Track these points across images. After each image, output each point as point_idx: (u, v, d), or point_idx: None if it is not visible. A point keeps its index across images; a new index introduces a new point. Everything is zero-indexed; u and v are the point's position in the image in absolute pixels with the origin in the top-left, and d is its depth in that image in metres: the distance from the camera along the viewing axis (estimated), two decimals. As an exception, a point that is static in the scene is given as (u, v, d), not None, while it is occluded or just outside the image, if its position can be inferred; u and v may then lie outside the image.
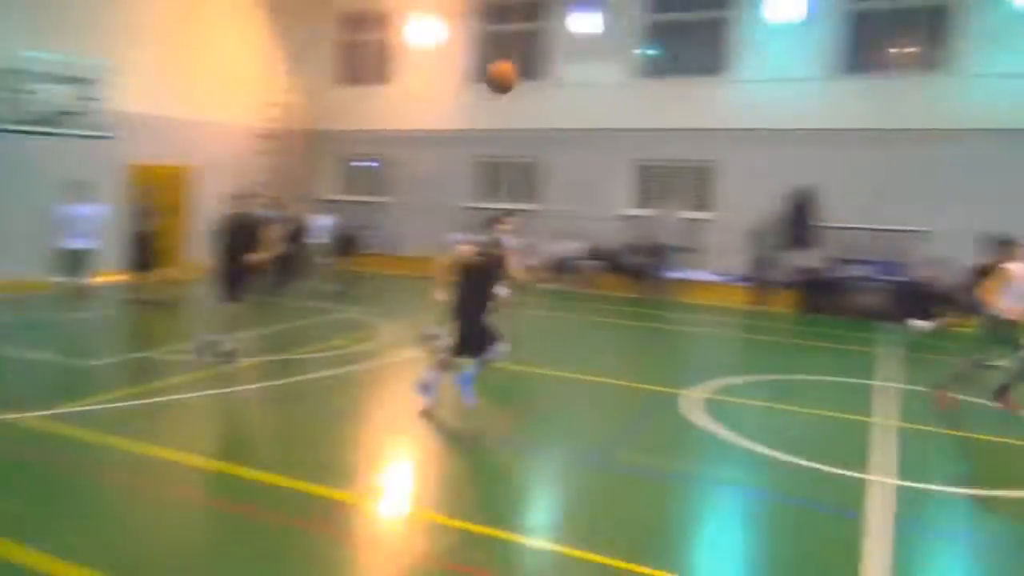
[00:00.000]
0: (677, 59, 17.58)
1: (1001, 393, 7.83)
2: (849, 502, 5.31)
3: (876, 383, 9.18)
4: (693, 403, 7.66)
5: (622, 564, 4.19)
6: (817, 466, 5.98)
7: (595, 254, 17.46)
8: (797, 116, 15.75)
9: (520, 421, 7.02)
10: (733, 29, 16.71)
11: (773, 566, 4.48)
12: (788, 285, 15.60)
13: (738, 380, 8.89)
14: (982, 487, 5.81)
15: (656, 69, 17.78)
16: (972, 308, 9.59)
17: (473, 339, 6.34)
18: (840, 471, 5.89)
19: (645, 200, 18.01)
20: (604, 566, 4.18)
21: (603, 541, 4.52)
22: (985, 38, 14.49)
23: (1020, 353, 7.61)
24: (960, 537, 5.02)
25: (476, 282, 6.27)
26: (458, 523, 4.63)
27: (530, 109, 17.70)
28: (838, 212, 15.16)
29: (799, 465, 6.01)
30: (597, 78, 17.86)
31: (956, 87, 14.69)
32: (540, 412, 7.45)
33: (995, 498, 5.64)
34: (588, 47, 17.87)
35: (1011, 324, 7.57)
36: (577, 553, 4.33)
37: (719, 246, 16.42)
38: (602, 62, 17.88)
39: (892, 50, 15.89)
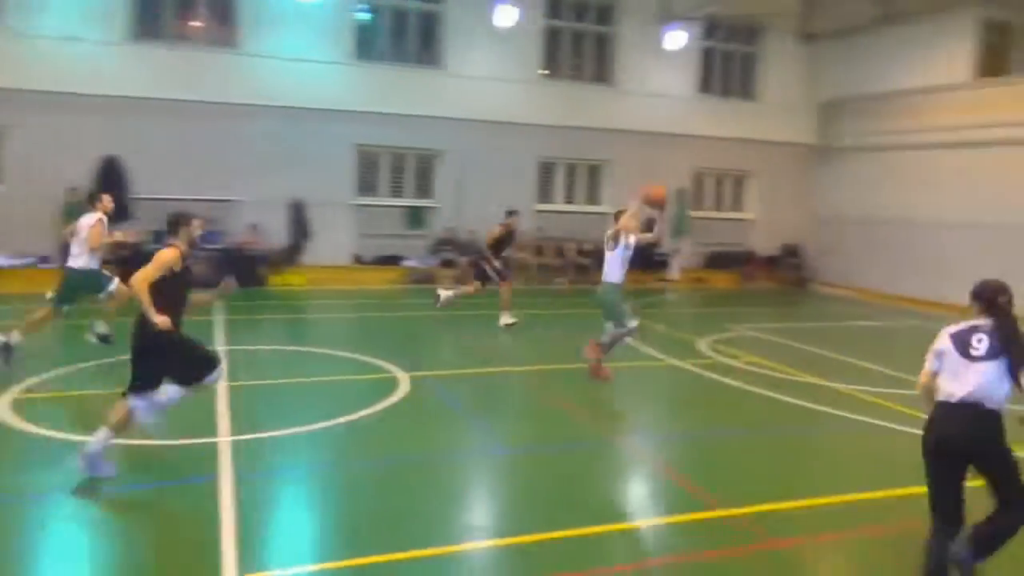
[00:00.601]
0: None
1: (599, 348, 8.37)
2: (201, 468, 5.44)
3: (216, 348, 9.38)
4: (1, 408, 6.56)
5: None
6: (166, 443, 5.82)
7: None
8: (89, 80, 14.47)
9: None
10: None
11: (133, 564, 4.19)
12: (106, 262, 14.53)
13: (72, 372, 7.99)
14: (300, 425, 6.57)
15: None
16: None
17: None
18: (190, 441, 5.97)
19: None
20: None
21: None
22: (265, 23, 15.83)
23: (626, 322, 8.08)
24: (290, 469, 5.70)
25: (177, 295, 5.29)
26: None
27: None
28: (155, 183, 14.72)
29: (146, 446, 5.77)
30: None
31: (246, 65, 15.69)
32: None
33: (313, 431, 6.51)
34: None
35: (620, 291, 8.10)
36: None
37: (12, 224, 14.11)
38: None
39: (186, 22, 16.01)
